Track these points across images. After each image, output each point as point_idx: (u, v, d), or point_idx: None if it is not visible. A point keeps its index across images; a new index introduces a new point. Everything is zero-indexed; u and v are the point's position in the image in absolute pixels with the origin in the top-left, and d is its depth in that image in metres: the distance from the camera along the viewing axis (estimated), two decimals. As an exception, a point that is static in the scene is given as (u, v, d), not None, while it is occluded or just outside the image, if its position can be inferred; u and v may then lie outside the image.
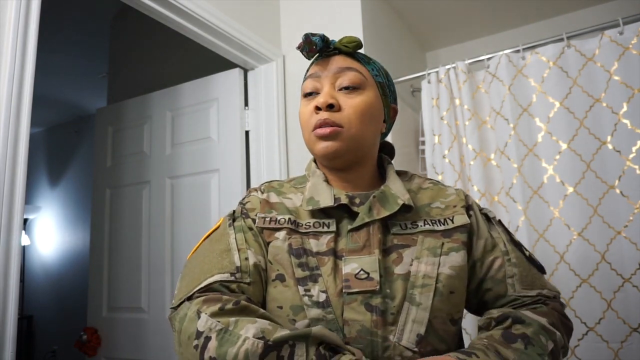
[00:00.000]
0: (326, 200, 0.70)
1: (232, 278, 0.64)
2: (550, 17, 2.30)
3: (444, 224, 0.71)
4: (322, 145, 0.70)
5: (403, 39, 2.31)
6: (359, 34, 1.74)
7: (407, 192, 0.72)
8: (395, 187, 0.72)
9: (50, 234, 4.27)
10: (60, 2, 2.37)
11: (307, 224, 0.71)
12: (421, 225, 0.70)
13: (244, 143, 1.79)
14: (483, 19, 2.33)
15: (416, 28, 2.39)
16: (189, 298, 0.63)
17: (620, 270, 1.39)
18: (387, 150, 0.86)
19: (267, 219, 0.72)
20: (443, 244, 0.69)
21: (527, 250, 0.77)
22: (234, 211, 0.77)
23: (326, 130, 0.69)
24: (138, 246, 1.92)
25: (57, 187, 4.33)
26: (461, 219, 0.72)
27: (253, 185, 1.76)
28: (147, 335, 1.82)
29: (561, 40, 1.58)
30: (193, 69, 2.09)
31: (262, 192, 0.77)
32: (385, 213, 0.68)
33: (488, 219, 0.77)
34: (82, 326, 1.99)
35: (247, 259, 0.67)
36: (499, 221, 0.79)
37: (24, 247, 4.18)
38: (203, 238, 0.75)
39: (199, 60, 2.09)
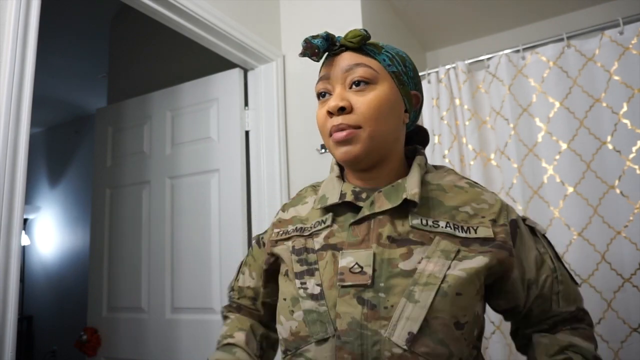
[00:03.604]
0: (333, 197, 0.72)
1: (230, 294, 0.93)
2: (550, 17, 2.30)
3: (466, 232, 0.67)
4: (342, 151, 0.68)
5: (403, 38, 2.31)
6: (359, 34, 1.74)
7: (417, 186, 0.68)
8: (411, 181, 0.69)
9: (50, 234, 4.27)
10: (60, 2, 2.37)
11: (311, 226, 0.74)
12: (442, 227, 0.67)
13: (244, 143, 1.79)
14: (483, 19, 2.33)
15: (416, 28, 2.39)
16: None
17: (620, 270, 1.38)
18: (421, 136, 0.83)
19: (280, 232, 0.80)
20: (459, 250, 0.65)
21: (565, 263, 0.78)
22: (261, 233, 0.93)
23: (342, 134, 0.67)
24: (138, 246, 1.92)
25: (57, 187, 4.33)
26: (485, 231, 0.67)
27: (252, 185, 1.78)
28: (147, 335, 1.82)
29: (561, 40, 1.58)
30: (193, 69, 2.08)
31: (283, 211, 0.84)
32: (388, 206, 0.67)
33: (533, 231, 0.74)
34: (82, 326, 1.99)
35: (237, 279, 0.91)
36: (544, 235, 0.76)
37: (24, 247, 4.18)
38: None
39: (199, 60, 2.09)
